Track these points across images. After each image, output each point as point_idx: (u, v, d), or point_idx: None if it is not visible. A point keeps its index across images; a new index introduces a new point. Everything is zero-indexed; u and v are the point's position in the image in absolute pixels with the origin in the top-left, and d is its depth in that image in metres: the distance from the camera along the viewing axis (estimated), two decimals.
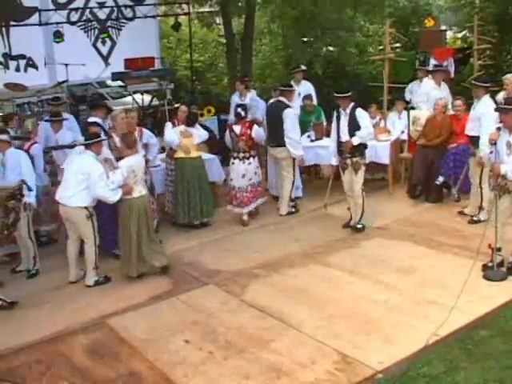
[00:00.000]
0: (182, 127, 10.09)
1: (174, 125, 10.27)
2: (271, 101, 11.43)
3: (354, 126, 9.65)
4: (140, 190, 8.52)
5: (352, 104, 9.73)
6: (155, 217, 9.78)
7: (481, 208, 9.79)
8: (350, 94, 9.75)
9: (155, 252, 8.67)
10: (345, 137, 9.71)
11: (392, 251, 9.06)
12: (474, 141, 9.37)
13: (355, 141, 9.63)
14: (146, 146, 9.75)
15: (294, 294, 7.86)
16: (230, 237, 9.98)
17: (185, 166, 10.07)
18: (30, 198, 8.43)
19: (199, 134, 10.29)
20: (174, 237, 10.03)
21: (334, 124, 9.97)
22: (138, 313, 7.61)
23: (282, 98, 10.81)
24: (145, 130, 9.92)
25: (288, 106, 10.65)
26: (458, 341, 6.63)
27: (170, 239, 9.88)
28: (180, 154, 10.07)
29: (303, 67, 13.72)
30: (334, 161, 10.05)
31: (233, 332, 6.98)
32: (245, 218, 10.48)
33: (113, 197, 8.18)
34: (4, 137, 8.78)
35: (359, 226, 9.97)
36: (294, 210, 10.94)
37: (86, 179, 8.11)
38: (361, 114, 9.73)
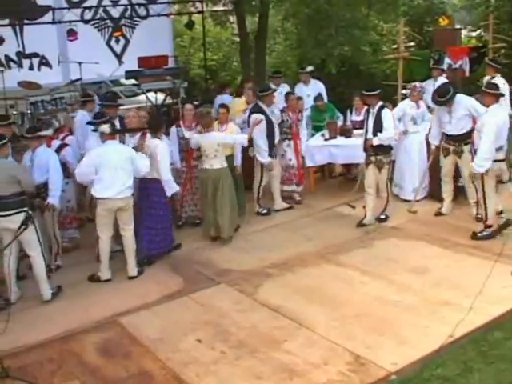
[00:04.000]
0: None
1: (178, 126, 10.19)
2: (250, 105, 11.04)
3: (378, 126, 9.75)
4: (211, 164, 9.49)
5: (380, 103, 9.84)
6: None
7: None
8: (378, 92, 9.85)
9: (225, 224, 9.48)
10: (369, 135, 9.82)
11: (406, 251, 8.98)
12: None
13: (375, 141, 9.77)
14: None
15: (306, 293, 7.79)
16: (243, 236, 9.91)
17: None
18: (53, 198, 8.44)
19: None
20: (185, 235, 9.98)
21: (365, 120, 10.13)
22: (149, 312, 7.58)
23: (259, 103, 10.68)
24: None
25: (260, 111, 10.48)
26: (473, 342, 6.53)
27: (181, 237, 9.82)
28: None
29: (309, 69, 13.65)
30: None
31: (245, 332, 6.93)
32: (299, 198, 11.16)
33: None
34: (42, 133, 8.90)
35: (382, 216, 10.13)
36: (264, 211, 10.91)
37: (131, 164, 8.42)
38: (386, 115, 9.80)
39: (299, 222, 10.42)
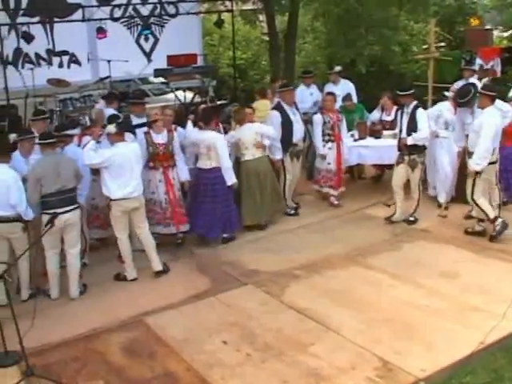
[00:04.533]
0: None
1: (195, 124, 10.06)
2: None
3: (412, 125, 9.70)
4: (253, 154, 9.87)
5: (414, 103, 9.77)
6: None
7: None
8: (412, 92, 9.79)
9: (269, 211, 10.06)
10: (403, 134, 9.76)
11: (435, 254, 8.84)
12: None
13: (409, 141, 9.71)
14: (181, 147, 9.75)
15: (334, 296, 7.69)
16: (270, 237, 9.83)
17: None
18: (80, 197, 8.41)
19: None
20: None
21: (398, 120, 10.07)
22: (175, 312, 7.52)
23: (281, 101, 10.75)
24: (180, 130, 9.84)
25: (279, 109, 10.59)
26: (503, 350, 6.40)
27: (207, 237, 9.75)
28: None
29: (337, 69, 13.52)
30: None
31: (271, 334, 6.85)
32: (336, 202, 11.02)
33: None
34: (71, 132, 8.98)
35: (412, 218, 10.03)
36: (291, 212, 10.90)
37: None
38: (421, 115, 9.73)
39: (327, 224, 10.32)
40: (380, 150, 10.98)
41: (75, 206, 7.91)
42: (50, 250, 7.89)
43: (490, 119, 8.88)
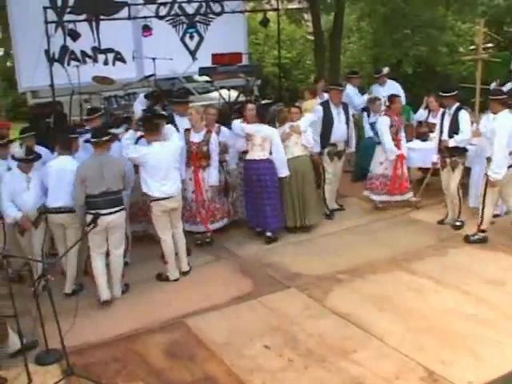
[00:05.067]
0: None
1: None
2: None
3: (454, 127, 9.52)
4: (292, 152, 9.74)
5: (457, 104, 9.58)
6: (229, 217, 9.90)
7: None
8: (455, 93, 9.60)
9: (308, 210, 9.82)
10: (445, 136, 9.58)
11: (482, 261, 8.62)
12: None
13: (451, 143, 9.54)
14: (225, 146, 9.74)
15: (377, 301, 7.53)
16: (313, 239, 9.71)
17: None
18: (125, 195, 8.41)
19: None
20: (253, 237, 9.85)
21: (438, 121, 9.87)
22: (217, 314, 7.45)
23: (329, 99, 10.70)
24: (223, 129, 9.81)
25: (324, 106, 10.59)
26: None
27: (250, 239, 9.75)
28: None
29: (385, 70, 13.33)
30: (435, 158, 9.98)
31: (314, 339, 6.72)
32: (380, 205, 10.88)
33: None
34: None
35: (458, 223, 9.83)
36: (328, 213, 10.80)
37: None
38: (463, 117, 9.51)
39: (371, 227, 10.16)
40: (427, 152, 10.72)
41: (120, 207, 7.83)
42: (96, 250, 7.83)
43: (503, 125, 8.74)
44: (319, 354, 6.45)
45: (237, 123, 9.74)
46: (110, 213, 7.67)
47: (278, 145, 9.51)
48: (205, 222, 9.42)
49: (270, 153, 9.46)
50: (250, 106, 9.96)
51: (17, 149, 8.07)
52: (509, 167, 8.84)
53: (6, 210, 7.84)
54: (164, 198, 8.20)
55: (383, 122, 10.59)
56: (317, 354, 6.46)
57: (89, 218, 7.42)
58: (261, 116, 9.66)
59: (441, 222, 9.99)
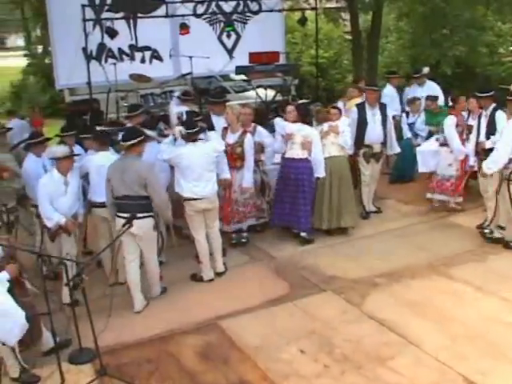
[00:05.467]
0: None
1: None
2: None
3: (491, 129, 9.26)
4: (329, 152, 9.56)
5: (493, 105, 9.34)
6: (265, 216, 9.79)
7: None
8: (492, 94, 9.38)
9: (344, 212, 9.62)
10: (481, 138, 9.36)
11: None
12: None
13: (488, 144, 9.25)
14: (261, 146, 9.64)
15: (415, 307, 7.35)
16: (350, 241, 9.56)
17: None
18: None
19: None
20: (288, 238, 9.69)
21: (475, 123, 9.64)
22: (251, 316, 7.34)
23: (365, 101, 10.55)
24: (259, 129, 9.69)
25: (360, 108, 10.45)
26: None
27: (285, 240, 9.61)
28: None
29: (425, 70, 13.13)
30: (472, 161, 9.80)
31: (350, 345, 6.58)
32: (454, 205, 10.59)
33: None
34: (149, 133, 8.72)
35: (486, 230, 9.43)
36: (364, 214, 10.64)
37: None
38: (500, 117, 9.24)
39: (409, 230, 9.95)
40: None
41: (144, 214, 7.44)
42: (127, 256, 7.67)
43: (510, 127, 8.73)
44: (355, 360, 6.32)
45: (280, 121, 9.67)
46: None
47: (318, 145, 9.35)
48: (225, 221, 9.32)
49: (309, 153, 9.31)
50: (289, 107, 9.80)
51: (56, 148, 7.92)
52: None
53: (47, 214, 7.60)
54: (196, 199, 8.12)
55: (449, 122, 10.40)
56: (353, 359, 6.32)
57: (118, 221, 7.40)
58: (302, 115, 9.49)
59: (480, 227, 9.70)
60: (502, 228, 9.21)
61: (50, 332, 6.34)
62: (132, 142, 7.49)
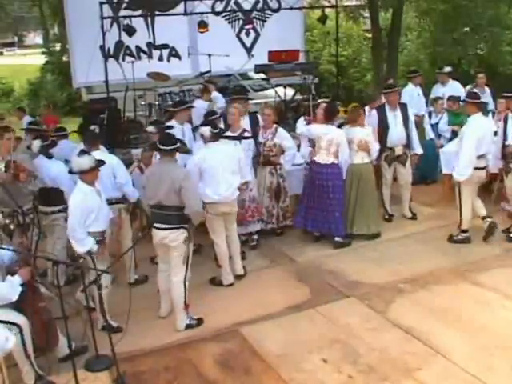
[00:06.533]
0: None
1: (307, 122, 9.73)
2: None
3: None
4: (362, 157, 9.37)
5: None
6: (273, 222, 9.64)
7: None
8: None
9: (368, 218, 9.44)
10: (509, 141, 9.09)
11: None
12: None
13: None
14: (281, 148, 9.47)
15: (442, 315, 7.11)
16: (373, 245, 9.32)
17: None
18: None
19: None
20: (310, 242, 9.51)
21: (501, 125, 9.38)
22: (273, 323, 7.14)
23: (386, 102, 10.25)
24: (280, 130, 9.52)
25: (379, 111, 10.20)
26: None
27: (307, 244, 9.43)
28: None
29: (447, 69, 12.90)
30: (500, 164, 9.49)
31: (375, 354, 6.37)
32: None
33: None
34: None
35: None
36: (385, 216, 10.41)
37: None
38: None
39: (432, 234, 9.68)
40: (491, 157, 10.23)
41: (174, 226, 7.02)
42: (161, 265, 7.40)
43: (471, 128, 8.85)
44: (381, 370, 6.10)
45: (301, 126, 9.54)
46: (160, 228, 7.10)
47: (345, 148, 9.18)
48: (242, 223, 9.15)
49: (336, 157, 9.13)
50: (323, 105, 9.59)
51: (81, 159, 6.93)
52: (476, 169, 8.86)
53: (81, 239, 6.80)
54: (217, 202, 7.96)
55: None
56: (378, 370, 6.11)
57: (155, 232, 7.19)
58: (329, 115, 9.28)
59: (506, 231, 9.43)
60: None
61: (65, 337, 6.17)
62: (170, 147, 7.13)
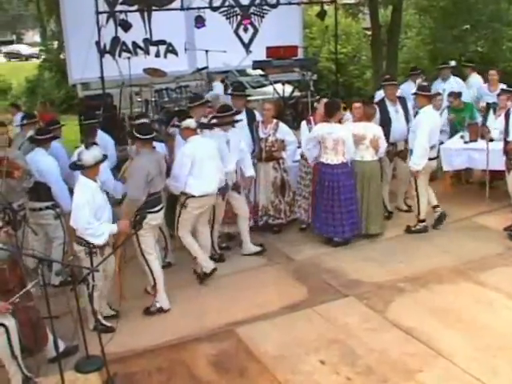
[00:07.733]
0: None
1: (309, 123, 9.54)
2: None
3: None
4: (362, 156, 9.16)
5: None
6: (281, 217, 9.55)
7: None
8: None
9: (373, 218, 9.28)
10: (510, 137, 8.95)
11: None
12: None
13: None
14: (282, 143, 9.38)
15: (443, 315, 6.93)
16: (371, 244, 9.15)
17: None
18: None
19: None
20: (309, 239, 9.35)
21: (503, 121, 9.28)
22: (269, 323, 6.96)
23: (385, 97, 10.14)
24: (281, 125, 9.43)
25: (380, 106, 9.96)
26: None
27: (305, 242, 9.27)
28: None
29: (452, 63, 12.76)
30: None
31: (374, 355, 6.19)
32: None
33: None
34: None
35: None
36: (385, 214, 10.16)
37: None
38: None
39: (433, 232, 9.50)
40: (493, 154, 10.03)
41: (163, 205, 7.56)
42: (151, 252, 7.33)
43: (424, 119, 9.06)
44: (380, 372, 5.92)
45: (305, 130, 9.43)
46: (158, 210, 7.33)
47: (350, 145, 8.96)
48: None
49: (344, 156, 8.97)
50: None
51: (87, 154, 6.69)
52: (430, 159, 9.18)
53: (98, 232, 6.62)
54: (204, 195, 7.85)
55: None
56: (377, 372, 5.93)
57: (152, 216, 7.15)
58: (329, 110, 9.04)
59: (508, 228, 9.26)
60: None
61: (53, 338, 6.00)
62: (150, 136, 7.30)
